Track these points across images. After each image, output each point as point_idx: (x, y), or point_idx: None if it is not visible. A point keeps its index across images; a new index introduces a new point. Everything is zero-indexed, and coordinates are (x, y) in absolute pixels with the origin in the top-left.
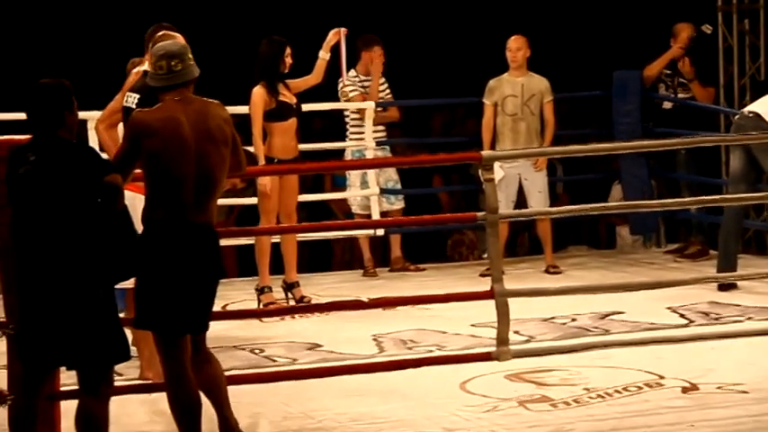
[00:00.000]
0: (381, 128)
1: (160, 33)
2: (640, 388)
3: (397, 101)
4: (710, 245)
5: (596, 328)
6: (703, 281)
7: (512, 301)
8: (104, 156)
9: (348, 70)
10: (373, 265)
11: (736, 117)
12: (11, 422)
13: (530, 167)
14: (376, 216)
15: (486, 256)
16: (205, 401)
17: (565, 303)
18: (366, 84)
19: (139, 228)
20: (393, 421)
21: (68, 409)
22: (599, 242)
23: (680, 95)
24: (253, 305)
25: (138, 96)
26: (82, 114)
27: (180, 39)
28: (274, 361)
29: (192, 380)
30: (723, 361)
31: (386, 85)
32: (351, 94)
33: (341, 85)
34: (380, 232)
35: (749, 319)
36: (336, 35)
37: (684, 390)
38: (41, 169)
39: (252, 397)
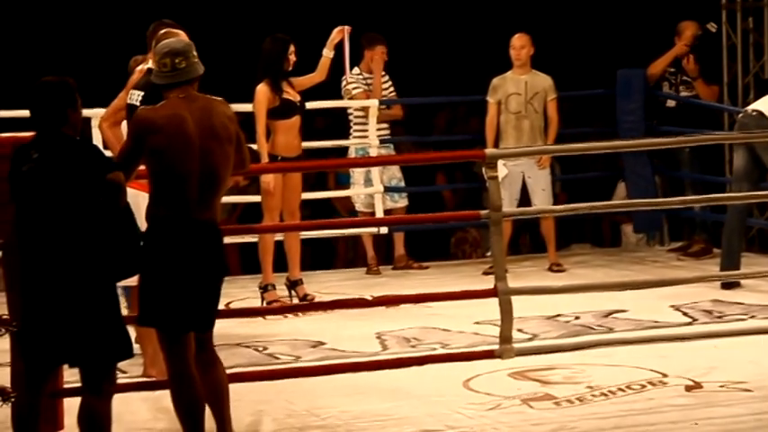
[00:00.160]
0: (385, 126)
1: (163, 31)
2: (644, 386)
3: (401, 99)
4: (714, 243)
5: (600, 326)
6: (707, 279)
7: (515, 299)
8: (108, 153)
9: (352, 68)
10: (376, 262)
11: (740, 115)
12: (14, 419)
13: (533, 165)
14: (379, 214)
15: (489, 254)
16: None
17: (568, 301)
18: (370, 82)
19: (143, 225)
20: (396, 419)
21: (71, 406)
22: (602, 240)
23: (683, 93)
24: (256, 303)
25: (141, 94)
26: (85, 112)
27: (183, 35)
28: (278, 359)
29: (195, 377)
30: (726, 359)
31: (389, 83)
32: (354, 92)
33: (344, 82)
34: (384, 230)
35: (752, 317)
36: (340, 33)
37: (688, 388)
38: (44, 167)
39: (255, 394)
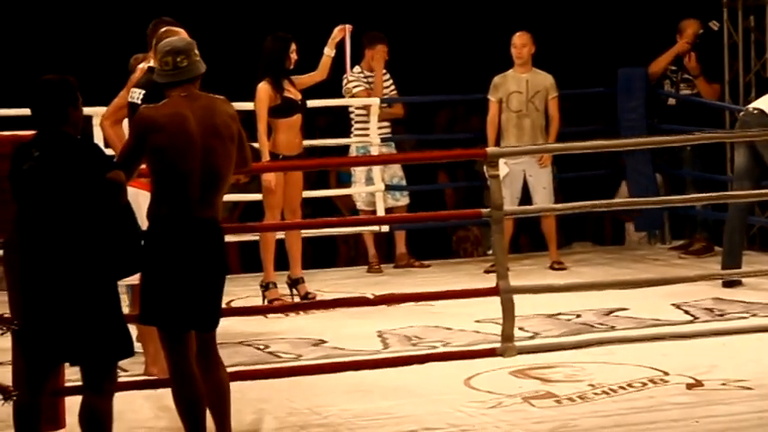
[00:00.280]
0: (386, 124)
1: (163, 29)
2: (645, 384)
3: (402, 97)
4: (715, 241)
5: (601, 324)
6: (708, 277)
7: (516, 298)
8: (109, 152)
9: (353, 67)
10: (378, 261)
11: (741, 114)
12: (15, 418)
13: (534, 164)
14: (381, 212)
15: (490, 252)
16: None
17: (569, 300)
18: (371, 80)
19: (144, 224)
20: (398, 417)
21: (73, 405)
22: (603, 239)
23: (684, 92)
24: (257, 301)
25: (143, 92)
26: (86, 110)
27: (183, 33)
28: (279, 357)
29: (196, 376)
30: (727, 357)
31: (390, 82)
32: (355, 91)
33: (345, 81)
34: (385, 228)
35: (754, 315)
36: (342, 32)
37: (689, 386)
38: (45, 165)
39: (257, 393)
